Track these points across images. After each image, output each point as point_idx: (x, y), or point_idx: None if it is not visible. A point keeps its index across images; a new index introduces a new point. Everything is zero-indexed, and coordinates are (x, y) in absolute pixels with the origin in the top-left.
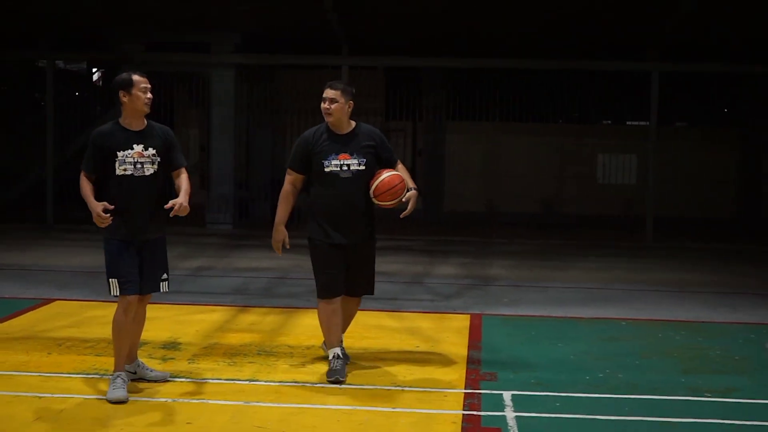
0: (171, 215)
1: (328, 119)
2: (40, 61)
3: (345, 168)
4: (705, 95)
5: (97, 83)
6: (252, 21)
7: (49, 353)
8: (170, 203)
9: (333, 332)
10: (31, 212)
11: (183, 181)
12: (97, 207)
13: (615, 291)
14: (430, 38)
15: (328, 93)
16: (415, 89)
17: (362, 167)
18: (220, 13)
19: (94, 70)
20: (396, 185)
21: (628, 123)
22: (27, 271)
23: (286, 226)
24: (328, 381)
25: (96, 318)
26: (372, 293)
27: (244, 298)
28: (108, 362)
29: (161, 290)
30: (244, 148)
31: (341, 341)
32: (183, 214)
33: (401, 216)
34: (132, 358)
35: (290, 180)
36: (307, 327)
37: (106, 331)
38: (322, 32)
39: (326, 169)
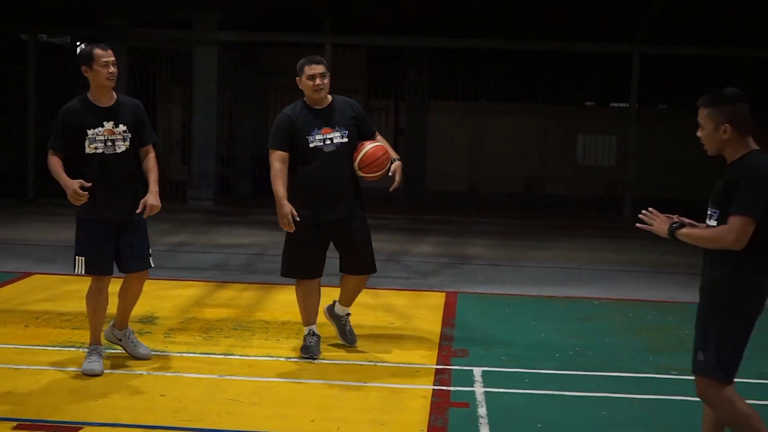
0: (144, 216)
1: (320, 95)
2: (23, 34)
3: (328, 142)
4: (688, 78)
5: None
6: None
7: (26, 326)
8: (141, 205)
9: (309, 310)
10: (13, 187)
11: (151, 167)
12: (73, 184)
13: (591, 271)
14: (413, 17)
15: (318, 68)
16: (398, 68)
17: (345, 139)
18: None
19: (78, 43)
20: (380, 156)
21: (612, 105)
22: (6, 245)
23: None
24: (302, 357)
25: (74, 292)
26: (373, 271)
27: (223, 273)
28: (84, 335)
29: (151, 265)
30: (227, 124)
31: (316, 319)
32: (154, 213)
33: (390, 189)
34: (122, 325)
35: (278, 158)
36: (283, 303)
37: (83, 306)
38: (304, 10)
39: (311, 145)
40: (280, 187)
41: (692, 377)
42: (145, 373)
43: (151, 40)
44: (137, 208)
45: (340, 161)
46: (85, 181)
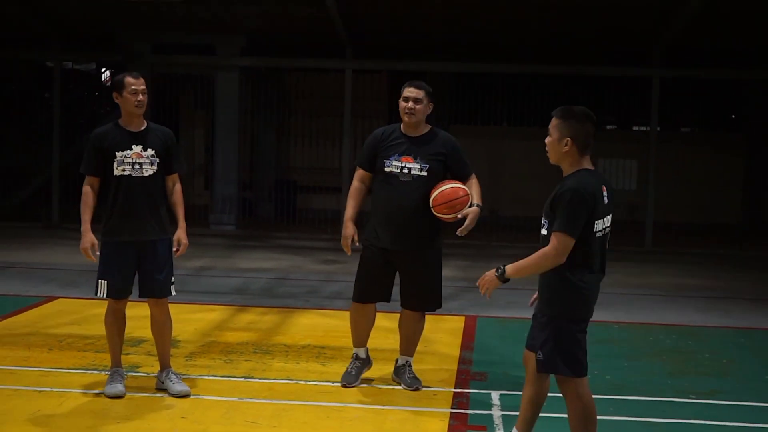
0: (177, 255)
1: (409, 119)
2: (48, 61)
3: (405, 171)
4: (709, 100)
5: (106, 83)
6: (257, 24)
7: (49, 349)
8: (175, 243)
9: (357, 333)
10: (38, 212)
11: (178, 200)
12: (87, 242)
13: (611, 295)
14: (434, 42)
15: (412, 92)
16: None
17: (424, 173)
18: (226, 16)
19: (103, 69)
20: (456, 198)
21: (634, 128)
22: (31, 270)
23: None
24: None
25: (97, 316)
26: (431, 309)
27: (244, 298)
28: (107, 359)
29: (172, 293)
30: (249, 149)
31: (366, 343)
32: (184, 251)
33: (457, 232)
34: (163, 365)
35: (358, 176)
36: (303, 327)
37: None
38: (326, 35)
39: (386, 169)
40: (348, 208)
41: (711, 401)
42: (166, 395)
43: (174, 66)
44: (161, 233)
45: (413, 193)
46: (113, 202)
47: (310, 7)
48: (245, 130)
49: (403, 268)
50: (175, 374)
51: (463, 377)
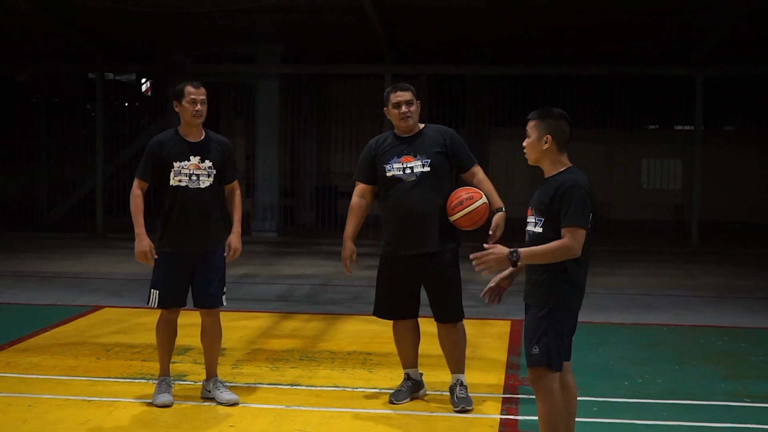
0: (228, 260)
1: (407, 123)
2: (90, 73)
3: (408, 171)
4: (754, 98)
5: (146, 93)
6: (296, 31)
7: (97, 358)
8: (226, 248)
9: (401, 353)
10: (83, 222)
11: (236, 206)
12: (145, 245)
13: (658, 297)
14: (473, 45)
15: (404, 95)
16: (458, 96)
17: (427, 168)
18: (265, 24)
19: (143, 80)
20: (457, 199)
21: (676, 128)
22: (78, 279)
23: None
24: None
25: (143, 324)
26: (453, 320)
27: (288, 304)
28: (154, 368)
29: (224, 304)
30: (289, 156)
31: (415, 364)
32: (236, 256)
33: (486, 245)
34: (210, 374)
35: (357, 191)
36: (348, 333)
37: (153, 338)
38: (365, 41)
39: (388, 174)
40: (348, 226)
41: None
42: (213, 404)
43: (214, 75)
44: (216, 243)
45: (421, 192)
46: (168, 212)
47: (348, 14)
48: (285, 137)
49: (423, 274)
50: (221, 383)
51: (511, 383)
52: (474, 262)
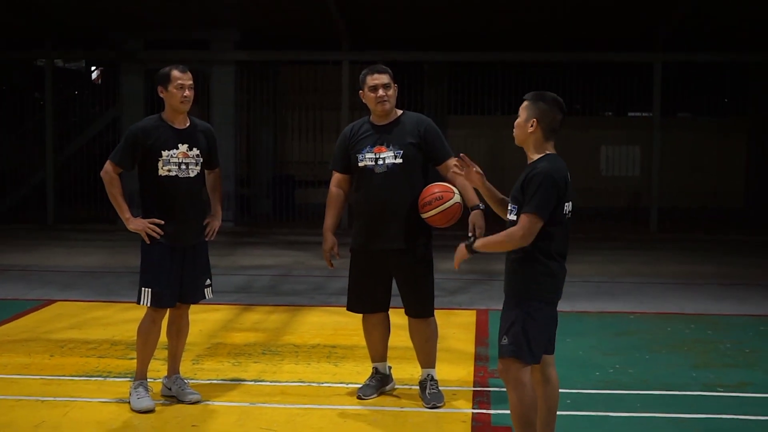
0: (207, 238)
1: (383, 107)
2: (38, 60)
3: (380, 162)
4: (709, 85)
5: (96, 81)
6: (251, 17)
7: (51, 356)
8: (207, 227)
9: (370, 347)
10: (33, 213)
11: (218, 190)
12: (140, 225)
13: (622, 284)
14: (431, 32)
15: (381, 78)
16: (416, 83)
17: (399, 160)
18: (220, 9)
19: (93, 68)
20: (430, 195)
21: (630, 114)
22: (29, 272)
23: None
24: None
25: (98, 319)
26: (424, 315)
27: (249, 296)
28: (111, 364)
29: (206, 297)
30: (245, 145)
31: (384, 358)
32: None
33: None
34: (173, 370)
35: (333, 181)
36: (312, 325)
37: (109, 333)
38: (322, 27)
39: (360, 164)
40: (327, 218)
41: (741, 393)
42: (175, 403)
43: (168, 62)
44: (204, 234)
45: (393, 184)
46: (158, 203)
47: None
48: (241, 125)
49: (394, 269)
50: (183, 380)
51: (481, 375)
52: (456, 266)
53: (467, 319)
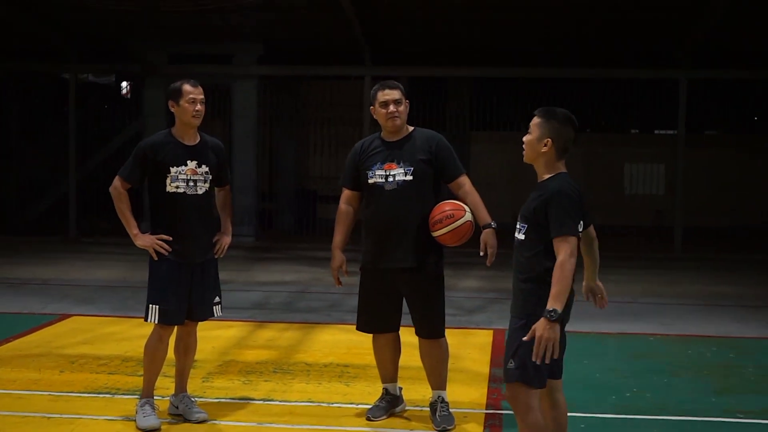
0: (216, 255)
1: (394, 123)
2: (65, 73)
3: (390, 179)
4: (736, 102)
5: (126, 96)
6: (274, 32)
7: (61, 371)
8: (217, 245)
9: (380, 367)
10: (56, 225)
11: (228, 207)
12: (148, 241)
13: (643, 305)
14: (453, 47)
15: (392, 94)
16: (439, 98)
17: (409, 177)
18: (243, 24)
19: (124, 83)
20: (441, 213)
21: (656, 132)
22: (47, 286)
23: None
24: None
25: (112, 334)
26: (435, 336)
27: (264, 313)
28: (120, 380)
29: (215, 315)
30: (268, 158)
31: (395, 378)
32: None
33: (488, 264)
34: (180, 389)
35: (343, 198)
36: (325, 343)
37: (121, 348)
38: (345, 42)
39: (370, 181)
40: (336, 235)
41: (763, 420)
42: (180, 422)
43: (190, 76)
44: (212, 251)
45: (403, 202)
46: (166, 220)
47: (327, 13)
48: (263, 139)
49: (404, 288)
50: (190, 398)
51: (494, 397)
52: (538, 358)
53: (484, 339)
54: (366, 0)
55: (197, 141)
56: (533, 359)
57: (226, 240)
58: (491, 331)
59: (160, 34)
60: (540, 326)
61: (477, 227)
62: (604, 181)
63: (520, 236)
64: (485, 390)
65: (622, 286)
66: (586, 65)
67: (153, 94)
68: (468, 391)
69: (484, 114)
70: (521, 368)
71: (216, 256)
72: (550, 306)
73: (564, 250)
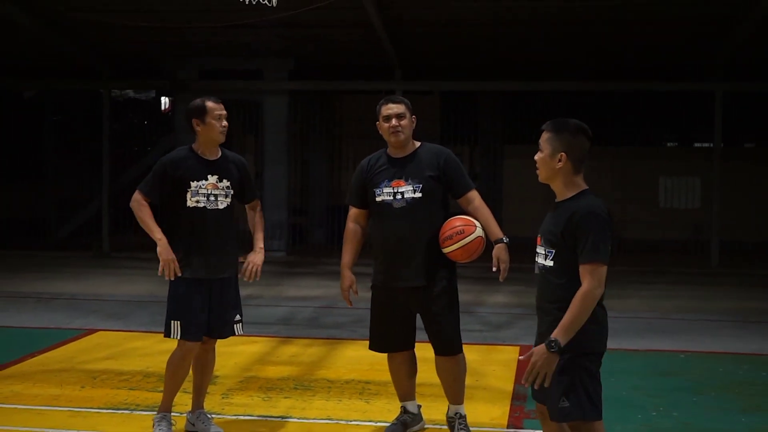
0: (248, 279)
1: (397, 138)
2: (98, 89)
3: (399, 197)
4: None
5: (167, 112)
6: (305, 47)
7: (82, 387)
8: (245, 265)
9: (397, 386)
10: (91, 240)
11: (258, 222)
12: (171, 254)
13: (674, 321)
14: (484, 61)
15: (394, 108)
16: (471, 113)
17: (418, 194)
18: (273, 40)
19: (164, 99)
20: (451, 229)
21: (695, 145)
22: (75, 301)
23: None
24: None
25: (135, 350)
26: (451, 353)
27: (289, 328)
28: (140, 396)
29: (236, 333)
30: (299, 174)
31: (412, 396)
32: (256, 271)
33: (501, 279)
34: (197, 405)
35: (350, 216)
36: (348, 360)
37: (144, 364)
38: (375, 57)
39: (378, 199)
40: (344, 254)
41: None
42: None
43: (221, 92)
44: (233, 269)
45: (412, 219)
46: (186, 236)
47: (356, 29)
48: (295, 154)
49: (418, 306)
50: (207, 415)
51: (516, 415)
52: (526, 383)
53: (509, 355)
54: (396, 17)
55: (218, 156)
56: (522, 382)
57: (254, 260)
58: (517, 347)
59: (191, 51)
60: (538, 353)
61: (488, 243)
62: (639, 194)
63: (548, 263)
64: (507, 408)
65: (652, 301)
66: (621, 78)
67: (183, 109)
68: (490, 410)
69: (516, 128)
70: (578, 406)
71: (247, 280)
72: (555, 335)
73: (591, 279)
